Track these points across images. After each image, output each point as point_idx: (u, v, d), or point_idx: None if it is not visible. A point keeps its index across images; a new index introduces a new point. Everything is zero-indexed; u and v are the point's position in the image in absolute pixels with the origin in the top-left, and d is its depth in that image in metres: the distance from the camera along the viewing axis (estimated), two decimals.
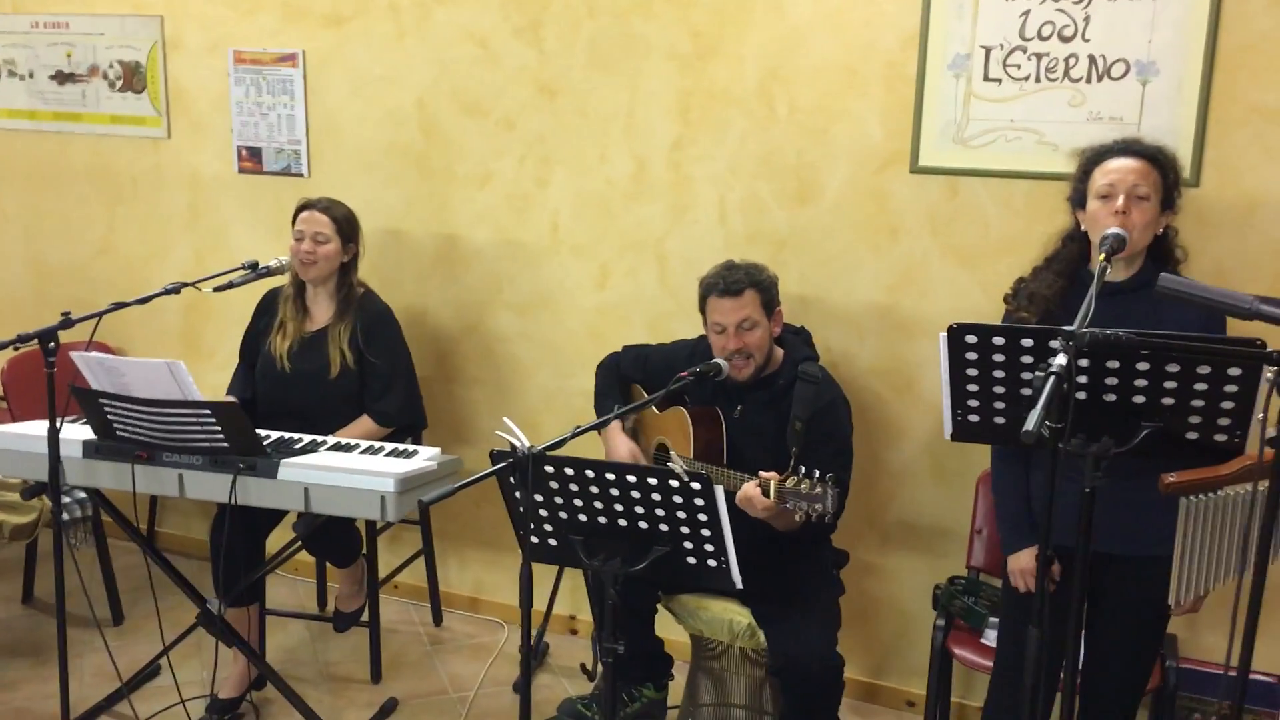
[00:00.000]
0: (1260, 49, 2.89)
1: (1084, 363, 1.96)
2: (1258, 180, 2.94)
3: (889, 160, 3.30)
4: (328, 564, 4.08)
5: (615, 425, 3.21)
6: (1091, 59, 3.03)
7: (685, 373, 2.80)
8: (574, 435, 2.52)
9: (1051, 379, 1.77)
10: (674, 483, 2.42)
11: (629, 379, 3.33)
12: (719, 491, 2.41)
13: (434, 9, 3.78)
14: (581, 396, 3.81)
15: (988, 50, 3.12)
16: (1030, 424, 1.70)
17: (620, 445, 3.14)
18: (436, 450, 3.18)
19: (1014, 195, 3.18)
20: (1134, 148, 2.49)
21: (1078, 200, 2.54)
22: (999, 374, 2.14)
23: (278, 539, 3.50)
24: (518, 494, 2.60)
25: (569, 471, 2.51)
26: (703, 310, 3.01)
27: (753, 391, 3.00)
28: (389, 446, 3.20)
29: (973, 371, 2.16)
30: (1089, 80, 3.05)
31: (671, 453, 3.13)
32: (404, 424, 3.56)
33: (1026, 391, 2.14)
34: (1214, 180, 2.97)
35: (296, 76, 4.02)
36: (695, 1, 3.45)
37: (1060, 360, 1.83)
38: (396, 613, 4.14)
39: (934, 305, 3.32)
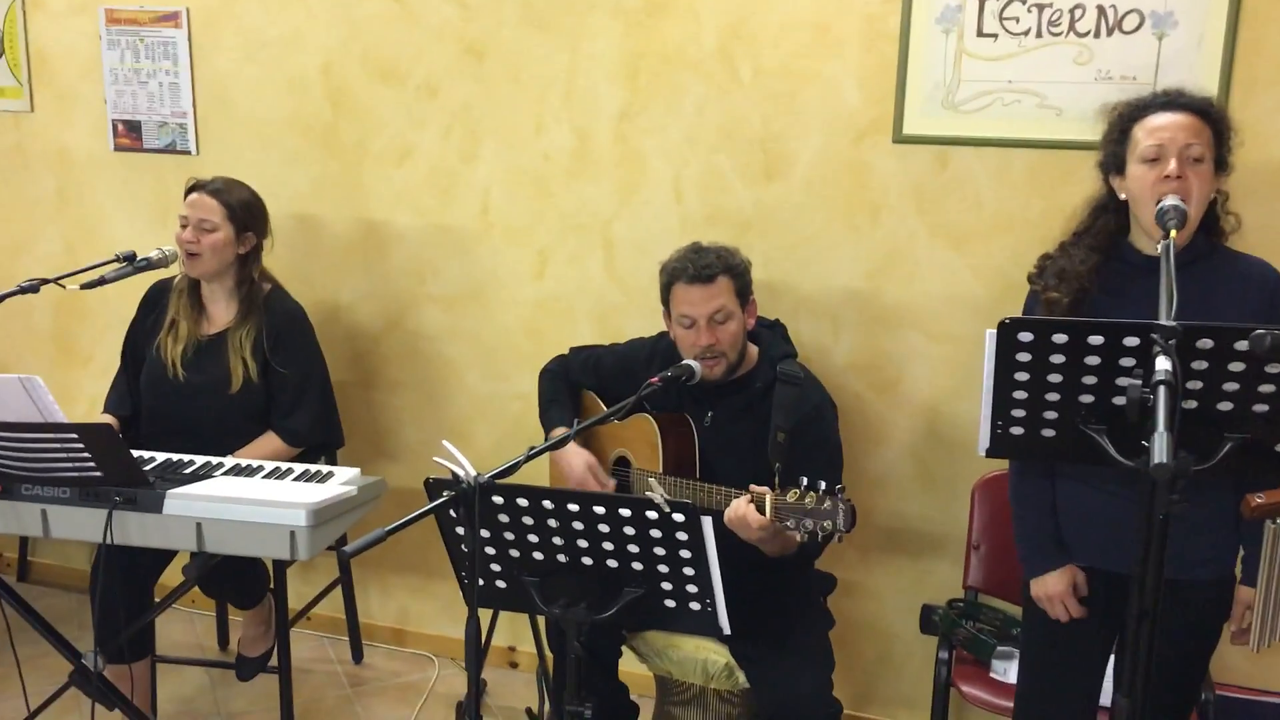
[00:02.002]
0: None
1: (1164, 365, 1.56)
2: None
3: (868, 129, 2.92)
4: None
5: (562, 433, 2.78)
6: (1100, 10, 2.68)
7: (655, 379, 2.37)
8: (528, 458, 2.08)
9: (1163, 390, 1.38)
10: (652, 514, 2.01)
11: (580, 385, 2.89)
12: (707, 524, 2.00)
13: None
14: (519, 401, 3.38)
15: (981, 1, 2.75)
16: (1161, 453, 1.31)
17: (574, 459, 2.70)
18: (355, 471, 2.72)
19: (1012, 166, 2.82)
20: (1179, 100, 2.12)
21: (1113, 165, 2.17)
22: (1055, 378, 1.76)
23: (172, 576, 3.00)
24: (459, 530, 2.16)
25: (522, 502, 2.08)
26: (666, 301, 2.59)
27: (726, 396, 2.59)
28: (298, 468, 2.73)
29: (1022, 376, 1.78)
30: (1097, 34, 2.69)
31: (633, 468, 2.70)
32: (316, 443, 3.08)
33: (1088, 399, 1.76)
34: (1238, 145, 2.62)
35: (180, 38, 3.49)
36: None
37: (1164, 364, 1.45)
38: (310, 650, 3.66)
39: (920, 292, 2.95)
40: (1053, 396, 1.78)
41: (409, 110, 3.33)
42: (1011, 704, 2.57)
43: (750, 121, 3.02)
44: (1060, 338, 1.71)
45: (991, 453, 1.92)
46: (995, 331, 1.80)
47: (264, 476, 2.67)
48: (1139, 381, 1.44)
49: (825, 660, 2.55)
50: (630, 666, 2.81)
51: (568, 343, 3.23)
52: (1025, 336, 1.73)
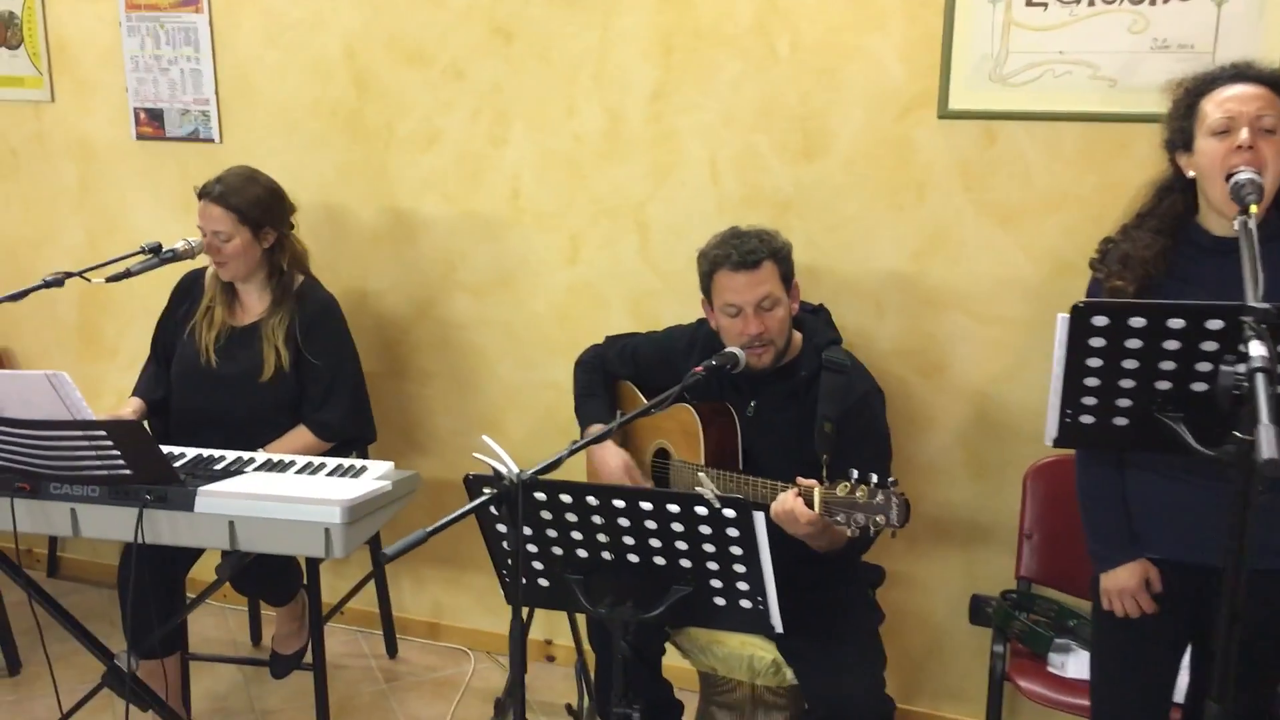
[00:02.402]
0: None
1: (1260, 350, 1.45)
2: None
3: (912, 104, 2.81)
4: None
5: (599, 429, 2.70)
6: None
7: (699, 367, 2.29)
8: (571, 453, 2.00)
9: (1262, 378, 1.29)
10: (701, 510, 1.92)
11: (615, 376, 2.81)
12: (759, 520, 1.91)
13: None
14: (552, 390, 3.30)
15: None
16: (1270, 448, 1.22)
17: (611, 458, 2.63)
18: (388, 465, 2.66)
19: (1063, 141, 2.71)
20: (1249, 73, 2.01)
21: (1180, 142, 2.06)
22: (1130, 364, 1.66)
23: (202, 569, 2.94)
24: (500, 528, 2.08)
25: (565, 499, 2.01)
26: (707, 289, 2.50)
27: (769, 384, 2.50)
28: (330, 463, 2.66)
29: (1095, 362, 1.68)
30: (1153, 1, 2.57)
31: (673, 459, 2.62)
32: (349, 436, 3.01)
33: (1164, 386, 1.66)
34: None
35: (201, 24, 3.41)
36: None
37: (1259, 350, 1.35)
38: (343, 644, 3.60)
39: (967, 273, 2.85)
40: (1127, 384, 1.69)
41: (436, 93, 3.24)
42: (1069, 698, 2.50)
43: (788, 98, 2.92)
44: (1138, 322, 1.61)
45: (1060, 442, 1.83)
46: (1068, 316, 1.69)
47: (296, 472, 2.61)
48: (1237, 368, 1.34)
49: (876, 656, 2.46)
50: (673, 660, 2.74)
51: (601, 330, 3.15)
52: (1100, 321, 1.64)
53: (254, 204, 2.89)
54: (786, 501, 2.20)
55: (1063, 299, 2.78)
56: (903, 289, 2.92)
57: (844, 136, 2.89)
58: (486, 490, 1.95)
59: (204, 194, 2.89)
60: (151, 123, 3.54)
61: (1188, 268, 2.04)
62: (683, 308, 3.09)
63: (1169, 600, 2.12)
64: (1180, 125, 2.06)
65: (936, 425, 2.97)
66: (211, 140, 3.49)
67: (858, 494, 2.10)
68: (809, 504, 2.16)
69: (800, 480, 2.19)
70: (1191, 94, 2.06)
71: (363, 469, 2.63)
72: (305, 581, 3.00)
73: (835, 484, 2.14)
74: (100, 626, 2.94)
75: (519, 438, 3.38)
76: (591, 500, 1.99)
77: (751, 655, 2.50)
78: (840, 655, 2.39)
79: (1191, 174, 2.03)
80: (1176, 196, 2.09)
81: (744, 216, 2.95)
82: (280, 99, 3.41)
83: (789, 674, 2.47)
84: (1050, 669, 2.58)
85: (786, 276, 2.45)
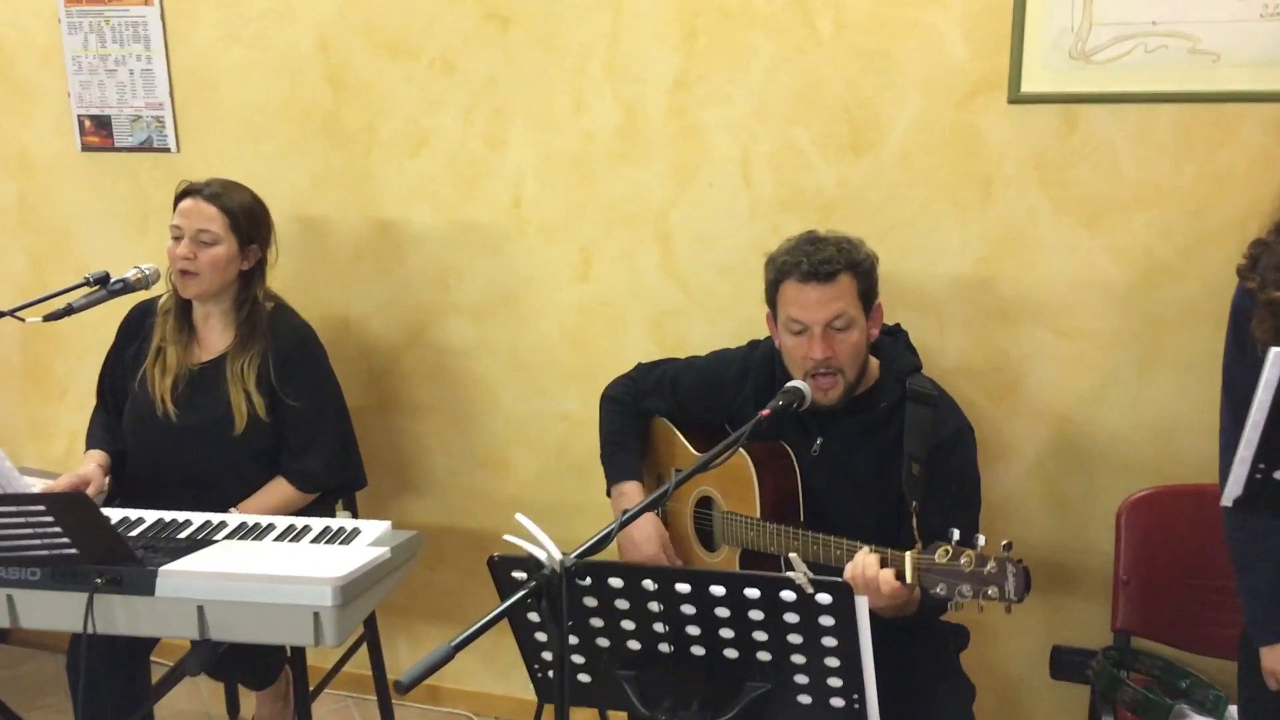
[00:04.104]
0: None
1: None
2: None
3: (978, 87, 2.44)
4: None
5: (633, 491, 2.33)
6: None
7: (765, 410, 1.90)
8: (622, 525, 1.61)
9: None
10: (788, 594, 1.54)
11: (649, 412, 2.42)
12: (862, 606, 1.54)
13: None
14: (564, 423, 2.92)
15: None
16: None
17: (644, 533, 2.27)
18: (384, 526, 2.27)
19: (1156, 126, 2.35)
20: None
21: None
22: None
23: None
24: (532, 616, 1.70)
25: (616, 583, 1.62)
26: (772, 300, 2.12)
27: (840, 419, 2.12)
28: (316, 525, 2.27)
29: None
30: None
31: (721, 510, 2.23)
32: (334, 485, 2.61)
33: None
34: None
35: (152, 17, 3.01)
36: None
37: None
38: (333, 713, 3.21)
39: (1044, 279, 2.49)
40: None
41: (423, 90, 2.84)
42: None
43: (833, 85, 2.54)
44: None
45: (1244, 502, 1.46)
46: None
47: (276, 538, 2.21)
48: None
49: None
50: None
51: (618, 355, 2.79)
52: None
53: (247, 212, 2.52)
54: (868, 568, 1.82)
55: (1156, 308, 2.46)
56: (969, 299, 2.55)
57: (898, 127, 2.51)
58: (517, 574, 1.58)
59: (191, 191, 2.49)
60: (98, 131, 3.13)
61: None
62: (712, 328, 2.73)
63: None
64: None
65: (1010, 454, 2.60)
66: (167, 149, 3.08)
67: (962, 560, 1.72)
68: (900, 575, 1.78)
69: (881, 550, 1.82)
70: None
71: (354, 532, 2.23)
72: (289, 656, 2.60)
73: (933, 549, 1.76)
74: (57, 700, 2.52)
75: (528, 476, 3.00)
76: (648, 585, 1.60)
77: None
78: None
79: None
80: None
81: (781, 222, 2.62)
82: (245, 101, 3.00)
83: None
84: None
85: (867, 295, 2.08)
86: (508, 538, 1.53)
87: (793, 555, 1.54)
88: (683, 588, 1.59)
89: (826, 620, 1.56)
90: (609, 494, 2.39)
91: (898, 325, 2.31)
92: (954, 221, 2.52)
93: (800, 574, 1.50)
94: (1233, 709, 2.20)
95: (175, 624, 2.03)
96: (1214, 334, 2.38)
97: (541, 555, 1.47)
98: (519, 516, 1.51)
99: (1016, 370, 2.56)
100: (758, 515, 2.12)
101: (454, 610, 3.17)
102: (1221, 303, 2.35)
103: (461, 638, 1.39)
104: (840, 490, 2.13)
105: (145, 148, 3.10)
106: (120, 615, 2.04)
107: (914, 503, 1.96)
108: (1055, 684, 2.62)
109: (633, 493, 2.31)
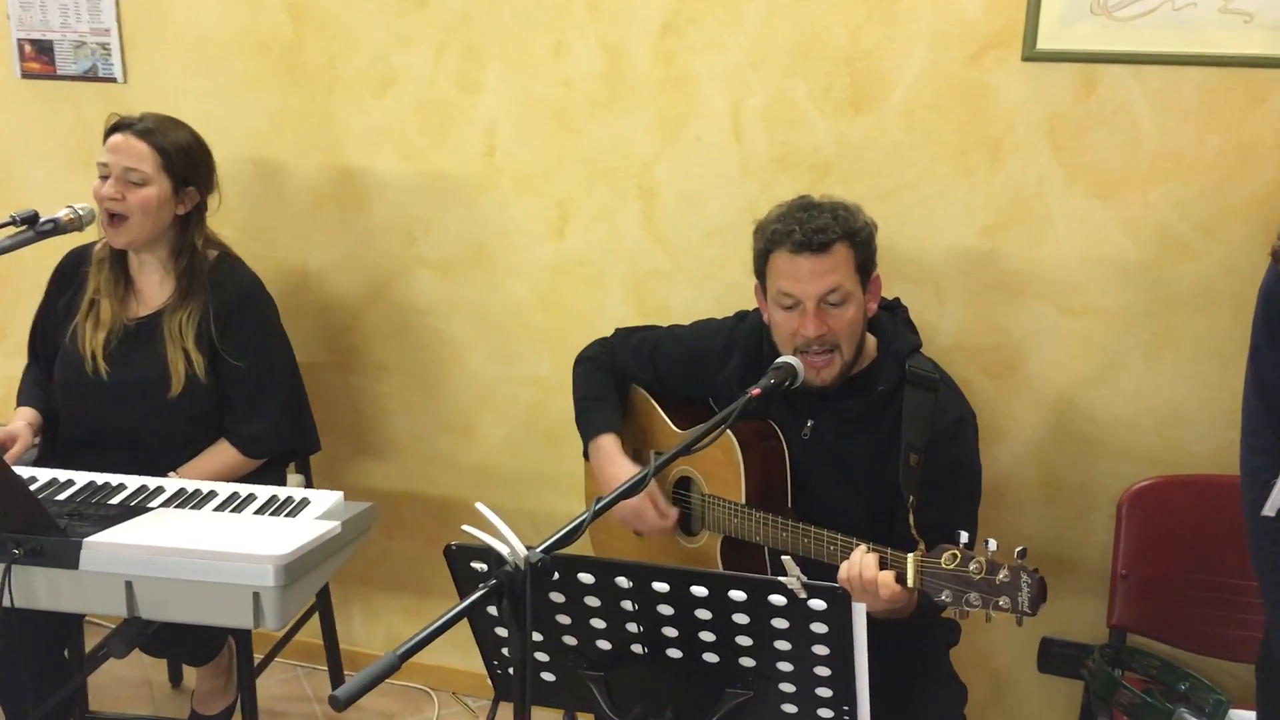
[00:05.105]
0: None
1: None
2: None
3: (990, 42, 2.27)
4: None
5: (611, 445, 2.15)
6: None
7: (755, 389, 1.73)
8: (595, 515, 1.44)
9: None
10: (778, 598, 1.38)
11: (629, 379, 2.25)
12: (859, 613, 1.38)
13: None
14: (534, 387, 2.75)
15: None
16: None
17: (620, 475, 2.08)
18: (336, 498, 2.10)
19: (1181, 90, 2.18)
20: None
21: None
22: None
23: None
24: (492, 610, 1.53)
25: (586, 579, 1.45)
26: (761, 271, 1.95)
27: (833, 400, 1.96)
28: (261, 493, 2.10)
29: None
30: None
31: (703, 494, 2.07)
32: (282, 450, 2.43)
33: None
34: None
35: None
36: None
37: None
38: (282, 684, 3.04)
39: (1052, 252, 2.33)
40: None
41: (391, 24, 2.63)
42: None
43: (834, 35, 2.36)
44: None
45: None
46: None
47: (217, 508, 2.04)
48: None
49: None
50: None
51: (594, 318, 2.62)
52: None
53: (183, 150, 2.31)
54: (866, 568, 1.67)
55: (1169, 287, 2.29)
56: (970, 271, 2.39)
57: (902, 83, 2.34)
58: (477, 565, 1.42)
59: (121, 126, 2.30)
60: (39, 57, 2.89)
61: None
62: (696, 292, 2.56)
63: None
64: None
65: (1007, 437, 2.45)
66: (113, 79, 2.85)
67: (971, 567, 1.57)
68: (900, 577, 1.64)
69: (880, 550, 1.67)
70: None
71: (303, 503, 2.06)
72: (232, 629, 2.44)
73: (938, 552, 1.61)
74: None
75: (494, 442, 2.83)
76: (622, 582, 1.44)
77: None
78: None
79: None
80: None
81: (773, 181, 2.44)
82: (198, 30, 2.77)
83: None
84: None
85: (864, 266, 1.90)
86: (466, 528, 1.36)
87: (786, 559, 1.38)
88: (660, 586, 1.43)
89: (819, 627, 1.41)
90: (585, 455, 2.22)
91: (897, 300, 2.14)
92: (958, 187, 2.36)
93: (793, 580, 1.35)
94: (1235, 713, 2.08)
95: (101, 600, 1.86)
96: (1230, 317, 2.25)
97: (504, 549, 1.30)
98: (479, 505, 1.34)
99: (1017, 349, 2.40)
100: (742, 501, 1.96)
101: (412, 581, 3.01)
102: (1240, 283, 2.23)
103: (407, 646, 1.24)
104: (829, 478, 1.97)
105: (90, 77, 2.87)
106: (41, 589, 1.87)
107: (910, 497, 1.80)
108: (1042, 677, 2.51)
109: (610, 447, 2.13)
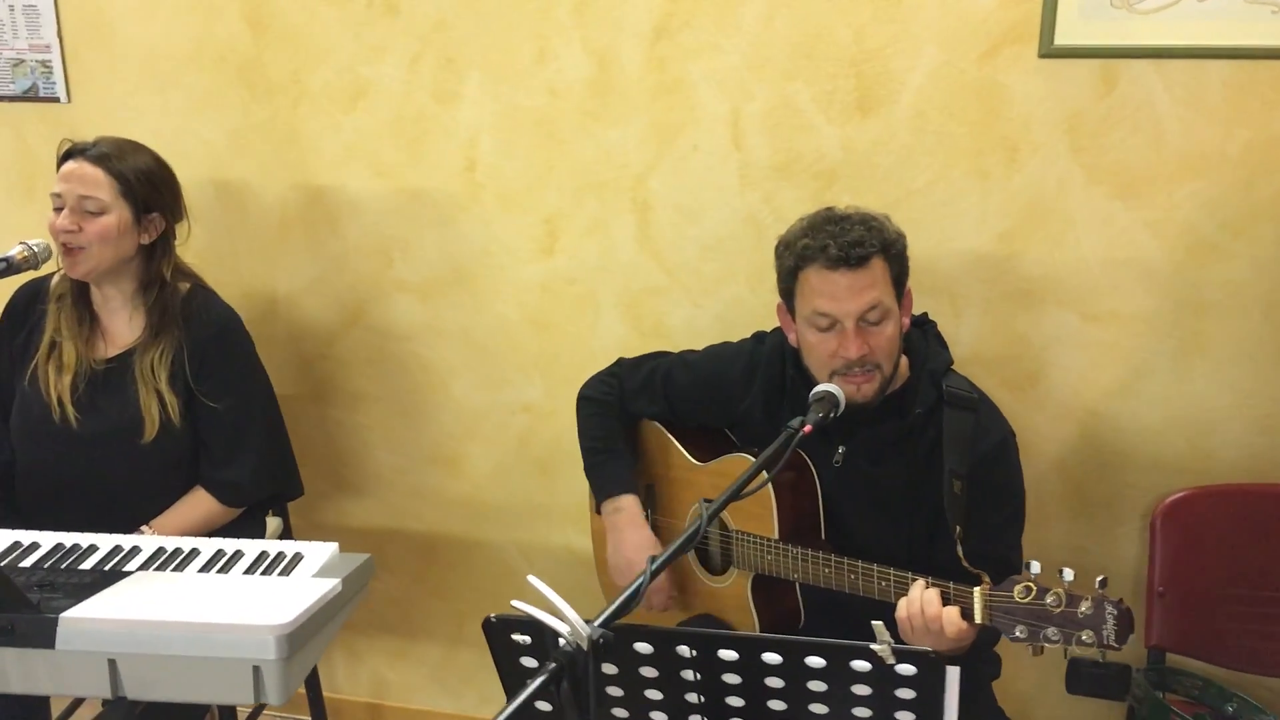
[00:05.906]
0: None
1: None
2: None
3: (1004, 39, 2.16)
4: None
5: (634, 507, 2.02)
6: None
7: (807, 425, 1.59)
8: (652, 575, 1.30)
9: None
10: (861, 664, 1.25)
11: (637, 415, 2.10)
12: (952, 678, 1.25)
13: None
14: (524, 414, 2.60)
15: None
16: None
17: (631, 535, 1.95)
18: (331, 550, 1.93)
19: (1207, 86, 2.09)
20: None
21: None
22: None
23: None
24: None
25: (643, 649, 1.31)
26: (789, 291, 1.82)
27: (866, 425, 1.83)
28: (250, 549, 1.92)
29: None
30: None
31: (730, 529, 1.93)
32: (264, 496, 2.26)
33: None
34: None
35: None
36: None
37: None
38: None
39: (1073, 258, 2.23)
40: None
41: (359, 33, 2.46)
42: None
43: (837, 34, 2.24)
44: None
45: None
46: None
47: (202, 568, 1.86)
48: None
49: None
50: None
51: (587, 339, 2.49)
52: None
53: (143, 175, 2.12)
54: (928, 605, 1.55)
55: (1197, 291, 2.18)
56: (987, 279, 2.28)
57: (911, 84, 2.22)
58: (518, 638, 1.27)
59: (75, 153, 2.10)
60: None
61: None
62: (696, 310, 2.44)
63: None
64: None
65: (1029, 451, 2.32)
66: (55, 99, 2.65)
67: (1049, 600, 1.46)
68: (967, 613, 1.52)
69: (940, 583, 1.55)
70: None
71: (296, 558, 1.89)
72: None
73: (1009, 584, 1.50)
74: None
75: (483, 473, 2.68)
76: (684, 651, 1.30)
77: None
78: None
79: None
80: None
81: (776, 190, 2.33)
82: (148, 43, 2.58)
83: None
84: None
85: (899, 279, 1.78)
86: (514, 603, 1.21)
87: (877, 624, 1.25)
88: (728, 654, 1.29)
89: (905, 693, 1.28)
90: (598, 510, 2.07)
91: (925, 315, 2.02)
92: (973, 191, 2.25)
93: (885, 645, 1.21)
94: None
95: (82, 681, 1.68)
96: (1262, 319, 2.16)
97: (563, 629, 1.15)
98: (531, 578, 1.20)
99: (1038, 359, 2.30)
100: (775, 536, 1.82)
101: (398, 622, 2.84)
102: (1272, 285, 2.14)
103: None
104: (863, 508, 1.85)
105: (30, 97, 2.66)
106: (13, 671, 1.68)
107: (957, 528, 1.68)
108: (1071, 699, 2.39)
109: (631, 507, 2.00)
